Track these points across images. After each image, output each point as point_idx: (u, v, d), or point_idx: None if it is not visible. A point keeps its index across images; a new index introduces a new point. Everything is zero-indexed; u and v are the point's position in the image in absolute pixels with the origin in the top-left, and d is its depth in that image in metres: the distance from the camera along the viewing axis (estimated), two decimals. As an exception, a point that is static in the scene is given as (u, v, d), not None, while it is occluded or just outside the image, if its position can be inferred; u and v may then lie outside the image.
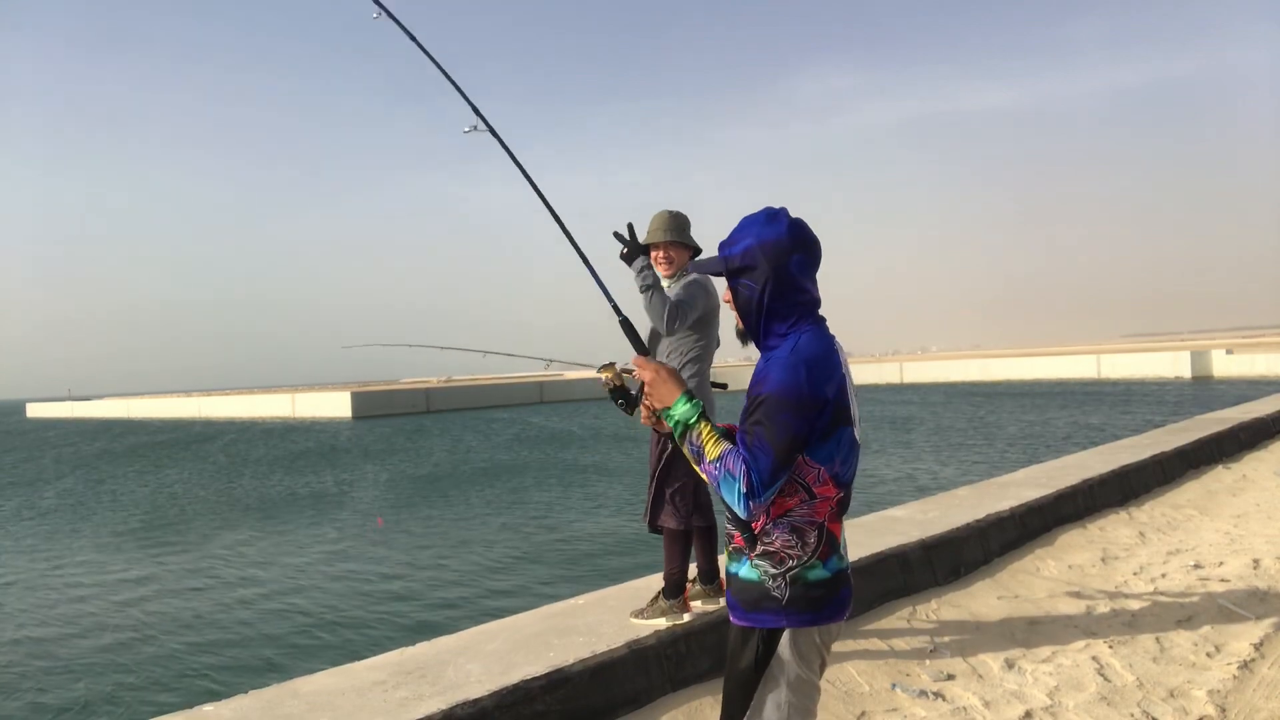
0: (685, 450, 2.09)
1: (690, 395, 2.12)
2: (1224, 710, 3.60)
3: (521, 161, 2.82)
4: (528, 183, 2.82)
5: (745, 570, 2.11)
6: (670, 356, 3.98)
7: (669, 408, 2.11)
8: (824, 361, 2.02)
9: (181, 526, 15.39)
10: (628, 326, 2.63)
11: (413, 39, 2.99)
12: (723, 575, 4.20)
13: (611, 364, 2.45)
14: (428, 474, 21.58)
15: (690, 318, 3.87)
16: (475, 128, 2.89)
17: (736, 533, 2.12)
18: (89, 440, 44.50)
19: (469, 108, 2.92)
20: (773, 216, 2.11)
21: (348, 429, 43.27)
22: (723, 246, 2.16)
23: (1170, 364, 53.22)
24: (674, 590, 4.01)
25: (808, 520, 2.06)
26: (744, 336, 2.17)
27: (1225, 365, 52.23)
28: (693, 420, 2.07)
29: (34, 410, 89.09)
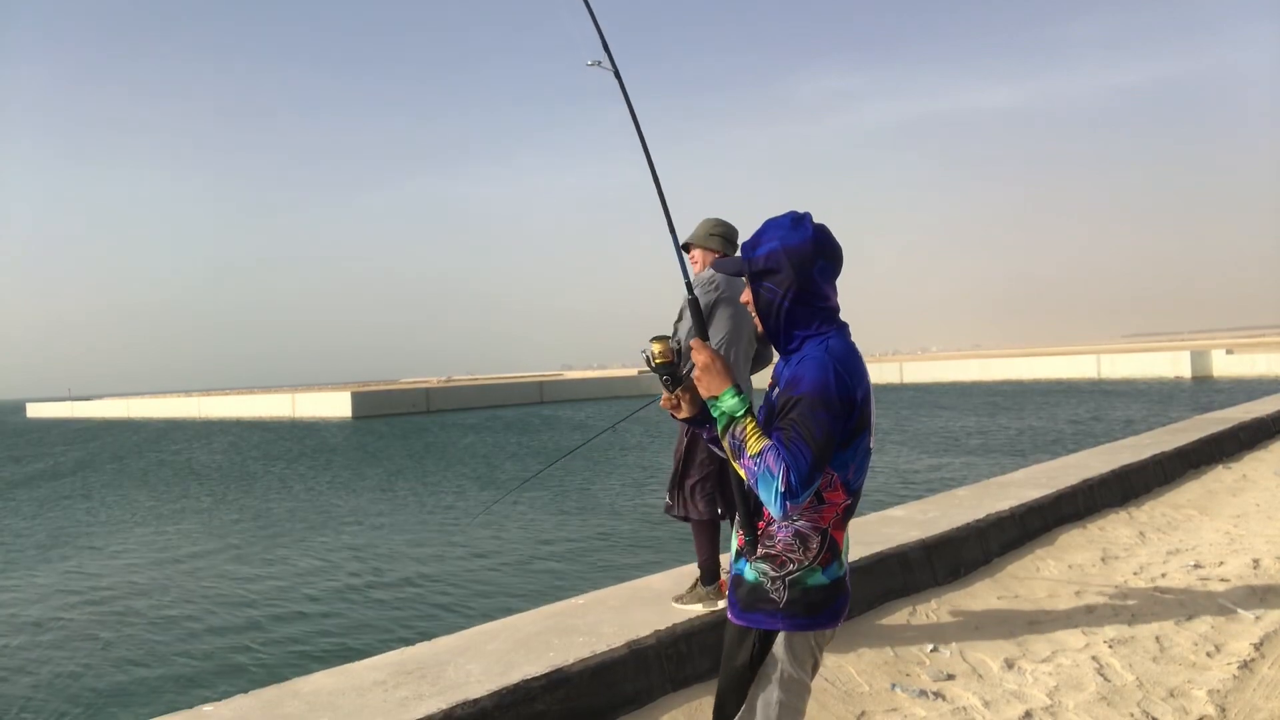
0: (725, 443, 2.03)
1: (739, 389, 2.07)
2: (1224, 710, 3.60)
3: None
4: (637, 135, 2.63)
5: (746, 570, 2.12)
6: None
7: (716, 397, 2.05)
8: (854, 366, 2.04)
9: (179, 526, 15.39)
10: (695, 306, 2.57)
11: None
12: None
13: (665, 337, 2.32)
14: (424, 473, 21.58)
15: (722, 319, 3.97)
16: (599, 63, 2.69)
17: (740, 532, 2.13)
18: (89, 439, 44.51)
19: (599, 41, 2.69)
20: (798, 221, 2.09)
21: (348, 429, 43.28)
22: (745, 248, 2.13)
23: (1170, 364, 53.20)
24: (709, 577, 4.10)
25: (812, 526, 2.06)
26: (763, 340, 2.15)
27: (1225, 365, 52.22)
28: (739, 414, 2.02)
29: (34, 410, 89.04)
